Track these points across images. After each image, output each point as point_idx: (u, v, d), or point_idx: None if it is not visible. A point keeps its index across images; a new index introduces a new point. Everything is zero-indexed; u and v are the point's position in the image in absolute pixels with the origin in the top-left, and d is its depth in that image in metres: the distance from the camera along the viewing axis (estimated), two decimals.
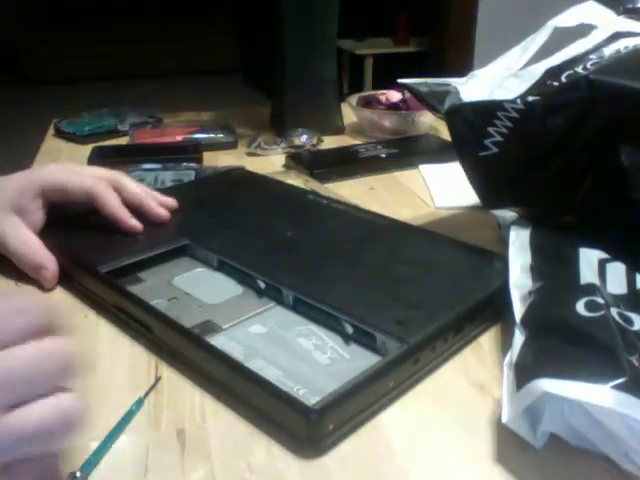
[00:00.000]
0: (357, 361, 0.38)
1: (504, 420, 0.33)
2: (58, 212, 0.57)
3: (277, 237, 0.53)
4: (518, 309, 0.40)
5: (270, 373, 0.37)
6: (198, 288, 0.47)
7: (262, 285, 0.46)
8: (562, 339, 0.35)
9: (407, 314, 0.41)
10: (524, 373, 0.33)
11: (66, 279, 0.52)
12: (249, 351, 0.40)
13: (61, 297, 0.51)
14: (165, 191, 0.62)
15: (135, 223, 0.55)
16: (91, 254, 0.51)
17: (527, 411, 0.33)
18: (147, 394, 0.39)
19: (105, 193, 0.55)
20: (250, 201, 0.63)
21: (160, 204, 0.58)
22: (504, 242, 0.47)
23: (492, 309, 0.44)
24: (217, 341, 0.41)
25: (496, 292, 0.44)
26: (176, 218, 0.58)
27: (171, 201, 0.59)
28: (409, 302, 0.42)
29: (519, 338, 0.37)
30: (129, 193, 0.57)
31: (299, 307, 0.44)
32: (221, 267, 0.50)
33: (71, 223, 0.57)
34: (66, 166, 0.57)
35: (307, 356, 0.39)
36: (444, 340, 0.40)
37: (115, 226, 0.54)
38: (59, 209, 0.57)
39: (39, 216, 0.55)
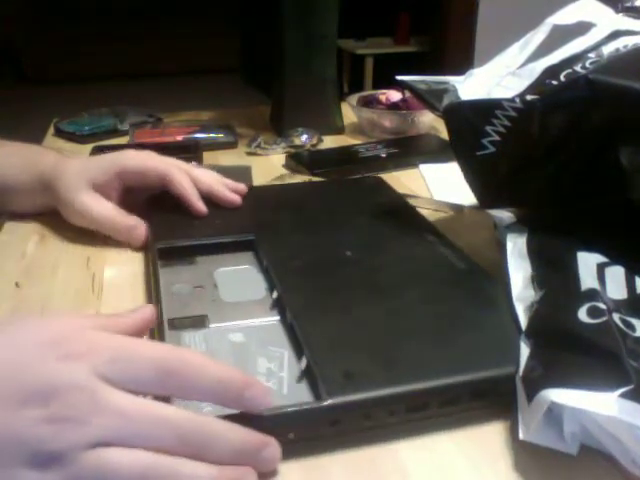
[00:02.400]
0: (289, 400, 0.35)
1: (522, 437, 0.33)
2: (132, 198, 0.60)
3: (334, 254, 0.50)
4: (523, 321, 0.39)
5: None
6: (228, 283, 0.48)
7: (274, 296, 0.45)
8: (566, 348, 0.34)
9: (365, 368, 0.36)
10: (532, 385, 0.33)
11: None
12: (207, 355, 0.37)
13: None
14: (268, 189, 0.67)
15: (202, 205, 0.58)
16: (156, 230, 0.54)
17: (552, 421, 0.32)
18: None
19: (178, 175, 0.58)
20: (343, 212, 0.60)
21: (232, 190, 0.61)
22: (500, 244, 0.47)
23: (491, 398, 0.36)
24: (187, 337, 0.41)
25: (498, 379, 0.36)
26: (258, 214, 0.59)
27: (242, 187, 0.62)
28: (383, 354, 0.37)
29: (525, 350, 0.36)
30: (201, 181, 0.60)
31: (292, 329, 0.41)
32: (265, 269, 0.49)
33: (151, 204, 0.60)
34: (144, 152, 0.60)
35: None
36: (388, 412, 0.35)
37: (185, 207, 0.58)
38: (132, 196, 0.60)
39: (115, 195, 0.59)
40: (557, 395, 0.31)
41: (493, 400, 0.36)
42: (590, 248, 0.43)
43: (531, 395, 0.32)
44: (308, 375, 0.37)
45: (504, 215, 0.51)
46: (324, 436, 0.34)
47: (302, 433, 0.34)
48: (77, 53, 4.23)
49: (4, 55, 4.18)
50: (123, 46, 4.26)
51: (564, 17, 0.52)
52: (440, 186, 0.73)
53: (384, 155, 0.82)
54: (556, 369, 0.33)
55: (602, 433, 0.32)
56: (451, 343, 0.39)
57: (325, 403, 0.33)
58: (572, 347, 0.34)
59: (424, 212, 0.66)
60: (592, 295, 0.38)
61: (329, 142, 0.89)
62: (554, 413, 0.32)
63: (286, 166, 0.81)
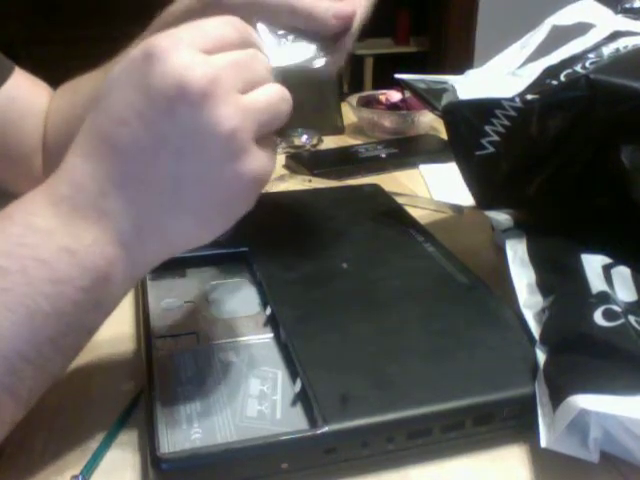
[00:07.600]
0: (282, 425, 0.33)
1: (544, 444, 0.32)
2: None
3: (330, 266, 0.49)
4: (534, 328, 0.39)
5: (188, 405, 0.35)
6: (220, 298, 0.46)
7: (268, 312, 0.44)
8: (586, 352, 0.34)
9: (362, 391, 0.34)
10: (556, 392, 0.32)
11: None
12: (197, 376, 0.37)
13: None
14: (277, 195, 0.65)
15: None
16: None
17: (574, 428, 0.32)
18: (135, 400, 0.39)
19: None
20: (339, 222, 0.58)
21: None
22: (497, 246, 0.46)
23: (498, 422, 0.35)
24: (176, 356, 0.39)
25: (506, 402, 0.35)
26: (252, 224, 0.56)
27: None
28: (381, 377, 0.35)
29: (541, 357, 0.36)
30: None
31: (287, 348, 0.39)
32: (259, 283, 0.47)
33: None
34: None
35: (241, 401, 0.35)
36: (386, 439, 0.33)
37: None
38: None
39: None
40: (585, 401, 0.30)
41: (500, 425, 0.35)
42: (592, 249, 0.42)
43: (556, 402, 0.32)
44: (303, 398, 0.35)
45: (501, 218, 0.50)
46: (319, 465, 0.33)
47: (296, 463, 0.32)
48: (77, 53, 4.23)
49: (3, 54, 4.18)
50: (123, 46, 4.27)
51: (564, 18, 0.52)
52: (440, 186, 0.73)
53: (384, 155, 0.82)
54: (580, 375, 0.33)
55: (629, 437, 0.32)
56: (454, 364, 0.37)
57: (320, 431, 0.32)
58: (592, 351, 0.34)
59: (424, 213, 0.66)
60: (605, 298, 0.37)
61: (329, 142, 0.89)
62: (576, 419, 0.31)
63: (286, 166, 0.81)
